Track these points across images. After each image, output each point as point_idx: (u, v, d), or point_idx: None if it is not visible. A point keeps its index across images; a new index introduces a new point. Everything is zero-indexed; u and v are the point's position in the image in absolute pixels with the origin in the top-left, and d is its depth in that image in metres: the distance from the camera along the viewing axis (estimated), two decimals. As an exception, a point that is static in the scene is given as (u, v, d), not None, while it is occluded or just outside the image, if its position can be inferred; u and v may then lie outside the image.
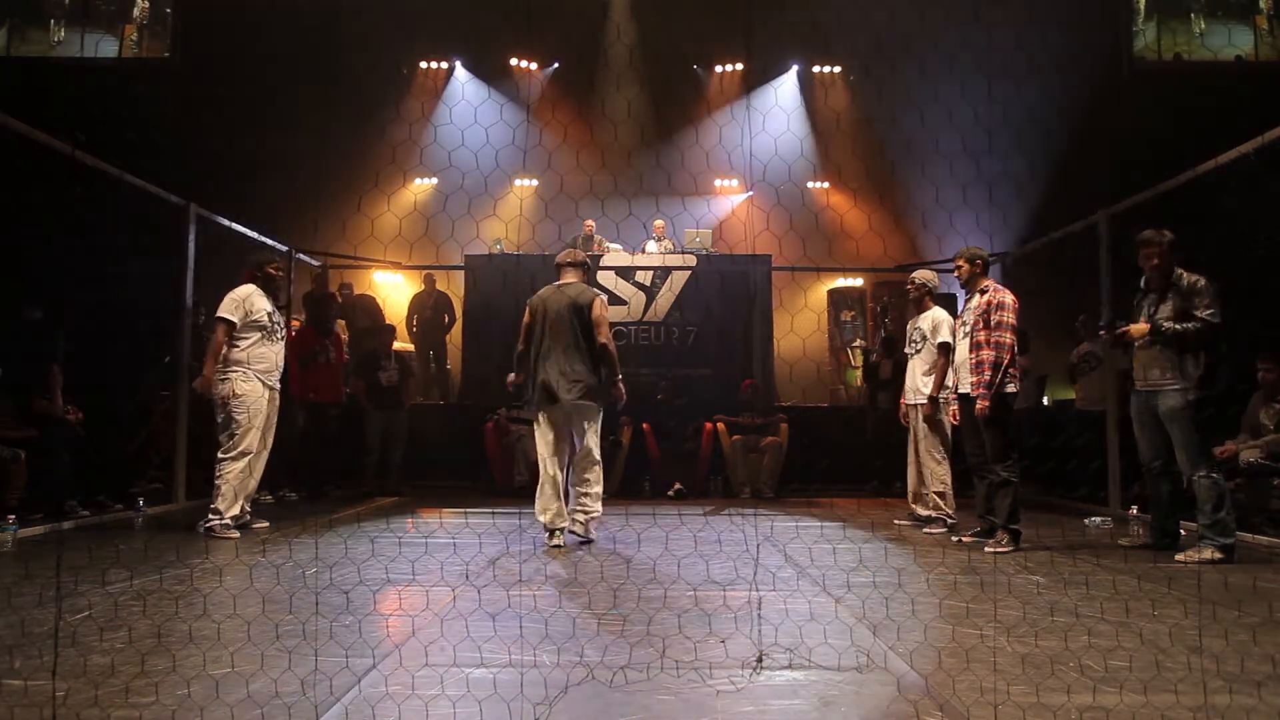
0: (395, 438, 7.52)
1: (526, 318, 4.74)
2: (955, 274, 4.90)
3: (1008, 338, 4.51)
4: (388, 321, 8.80)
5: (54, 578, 3.48)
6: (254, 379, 4.96)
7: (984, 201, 9.42)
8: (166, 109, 9.32)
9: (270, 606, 2.97)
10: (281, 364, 5.21)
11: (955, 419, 4.98)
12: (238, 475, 4.85)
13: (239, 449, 4.87)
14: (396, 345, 8.08)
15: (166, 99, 9.54)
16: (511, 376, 4.83)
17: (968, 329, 4.70)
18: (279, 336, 5.16)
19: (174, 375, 6.28)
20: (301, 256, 8.70)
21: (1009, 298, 4.58)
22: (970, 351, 4.63)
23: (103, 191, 5.69)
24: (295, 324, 7.54)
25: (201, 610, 2.91)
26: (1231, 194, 5.54)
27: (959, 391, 4.82)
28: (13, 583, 3.41)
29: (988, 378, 4.48)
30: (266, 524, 5.21)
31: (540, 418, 4.63)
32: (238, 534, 4.78)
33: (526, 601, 3.11)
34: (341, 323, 8.92)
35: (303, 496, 6.82)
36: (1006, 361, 4.49)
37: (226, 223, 6.95)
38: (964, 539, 4.84)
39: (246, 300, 5.01)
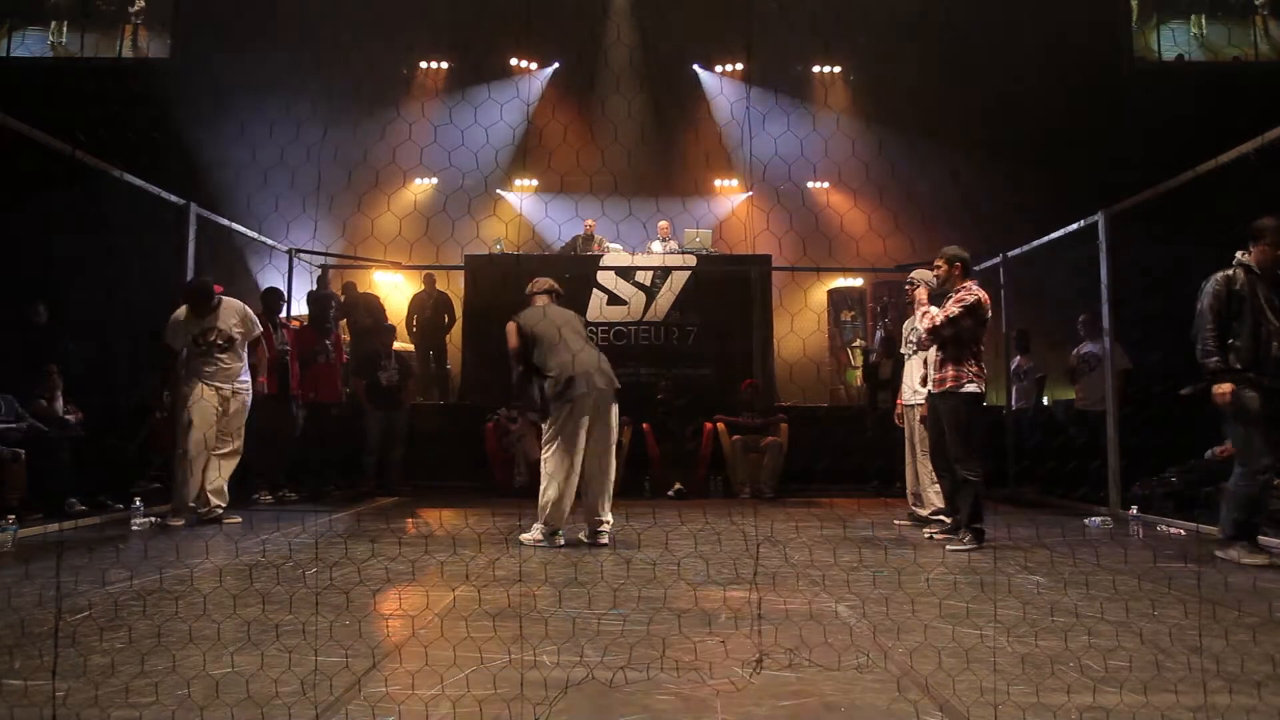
0: (395, 438, 7.52)
1: (517, 341, 4.61)
2: (934, 273, 4.82)
3: (944, 324, 4.50)
4: (388, 321, 8.80)
5: (54, 578, 3.48)
6: (195, 383, 5.34)
7: (983, 201, 9.43)
8: (166, 109, 9.32)
9: (270, 606, 2.97)
10: (226, 371, 5.44)
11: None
12: (180, 470, 5.31)
13: (180, 447, 5.32)
14: (396, 345, 8.08)
15: (166, 99, 9.54)
16: (533, 416, 4.77)
17: None
18: (214, 349, 5.41)
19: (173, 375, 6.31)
20: (301, 256, 8.70)
21: (972, 296, 4.51)
22: (936, 351, 4.68)
23: (103, 191, 5.70)
24: (295, 324, 7.54)
25: (201, 610, 2.91)
26: (1231, 194, 5.54)
27: (929, 390, 4.86)
28: (13, 583, 3.40)
29: (935, 321, 4.53)
30: (239, 519, 5.51)
31: (573, 413, 4.48)
32: (181, 522, 5.22)
33: (526, 601, 3.11)
34: (344, 322, 8.93)
35: (303, 496, 6.82)
36: (939, 323, 4.51)
37: (226, 223, 6.96)
38: (936, 536, 4.88)
39: (173, 325, 5.42)
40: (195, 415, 5.28)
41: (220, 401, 5.39)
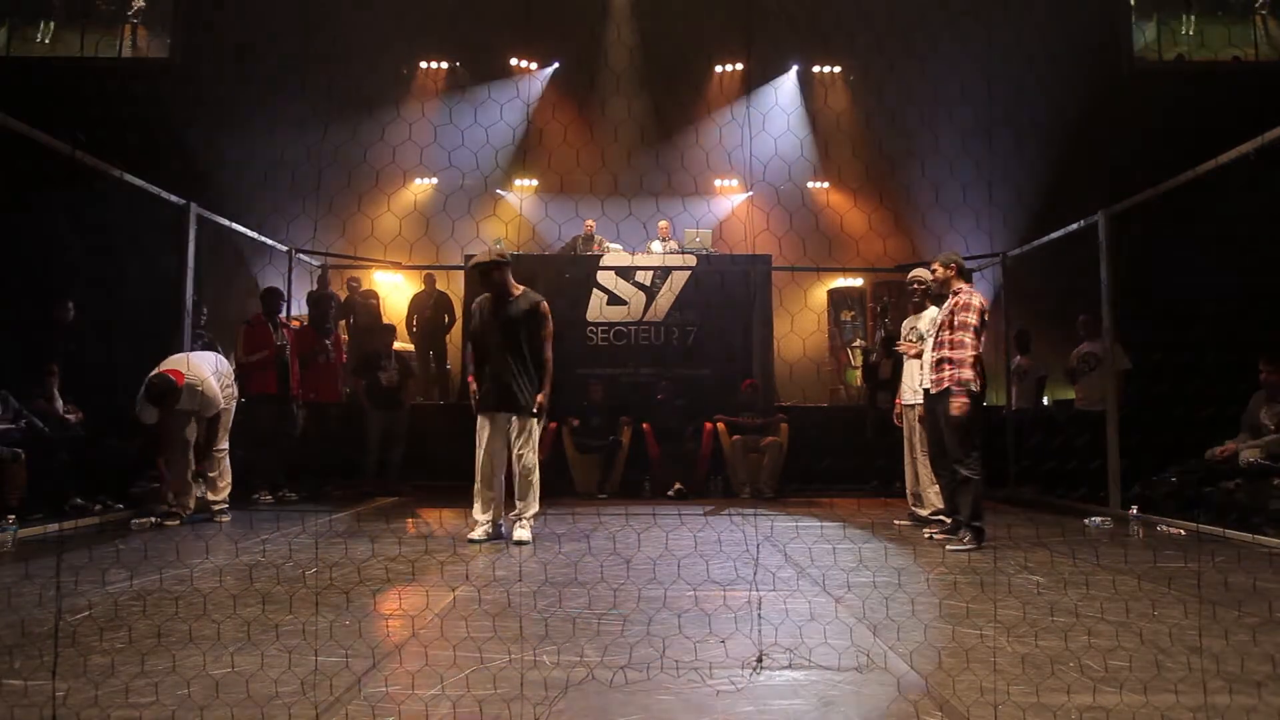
0: (395, 438, 7.52)
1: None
2: (932, 275, 4.96)
3: (969, 338, 4.54)
4: (387, 321, 8.80)
5: (54, 578, 3.48)
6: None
7: (984, 201, 9.43)
8: (166, 109, 9.32)
9: (270, 606, 2.97)
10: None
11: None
12: (168, 471, 5.54)
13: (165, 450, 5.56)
14: (396, 345, 8.08)
15: (166, 99, 9.54)
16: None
17: (934, 330, 4.82)
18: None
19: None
20: (301, 256, 8.70)
21: (976, 299, 4.62)
22: (933, 350, 4.72)
23: (103, 191, 5.70)
24: (295, 324, 7.54)
25: (201, 610, 2.91)
26: (1231, 194, 5.54)
27: (923, 388, 4.89)
28: (13, 583, 3.41)
29: (954, 375, 4.51)
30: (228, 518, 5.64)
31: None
32: (176, 522, 5.36)
33: (526, 601, 3.12)
34: (343, 323, 8.92)
35: (303, 496, 6.83)
36: (970, 360, 4.53)
37: (226, 223, 6.95)
38: (936, 536, 4.88)
39: (141, 407, 5.31)
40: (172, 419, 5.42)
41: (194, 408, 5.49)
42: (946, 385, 4.55)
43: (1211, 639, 2.60)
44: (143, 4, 11.45)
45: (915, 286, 5.61)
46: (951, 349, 4.56)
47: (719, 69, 12.20)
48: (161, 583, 3.41)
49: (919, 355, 5.21)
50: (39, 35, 11.35)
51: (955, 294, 4.73)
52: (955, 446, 4.57)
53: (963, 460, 4.53)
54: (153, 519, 5.31)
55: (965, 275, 4.86)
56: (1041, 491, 7.18)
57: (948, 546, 4.52)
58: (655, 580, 3.54)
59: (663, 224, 9.92)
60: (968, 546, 4.45)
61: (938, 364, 4.64)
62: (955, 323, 4.58)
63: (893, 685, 2.17)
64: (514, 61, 11.95)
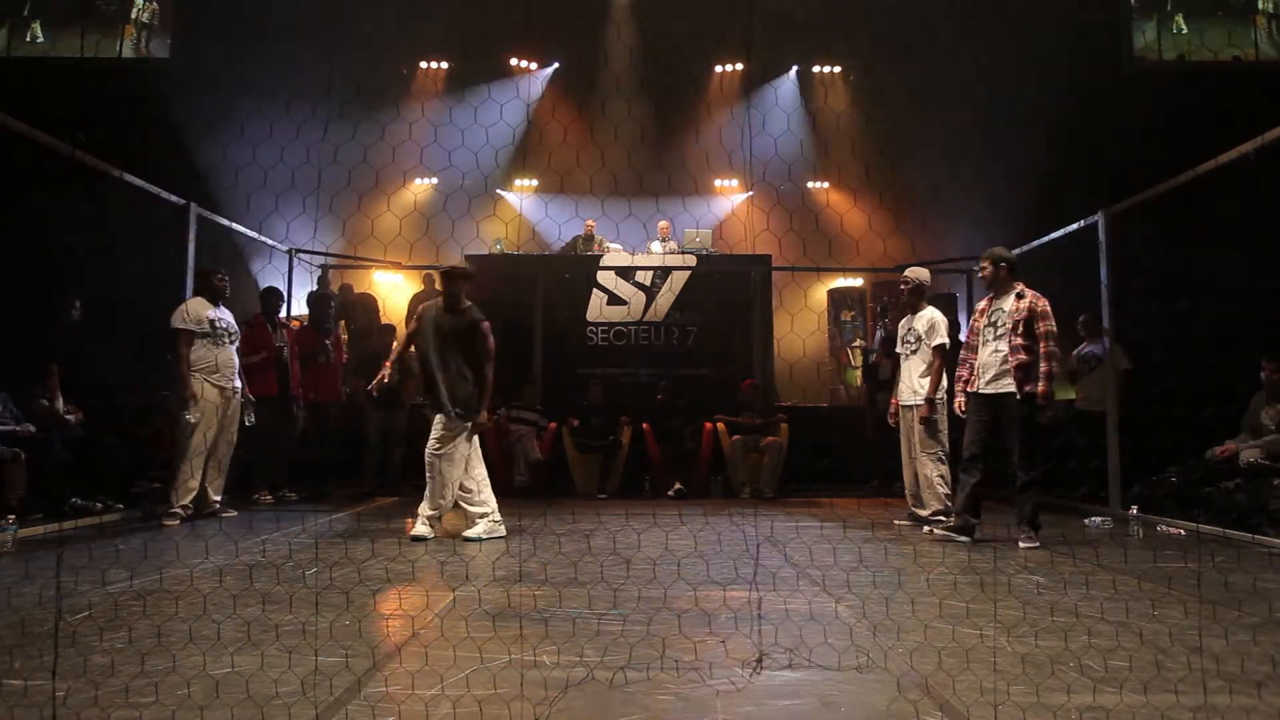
0: (395, 438, 7.52)
1: None
2: (980, 274, 4.95)
3: (1056, 346, 4.62)
4: (386, 321, 8.79)
5: (54, 578, 3.48)
6: (199, 381, 5.45)
7: (983, 201, 9.43)
8: (166, 109, 9.32)
9: (270, 606, 2.97)
10: (231, 364, 5.62)
11: (962, 411, 4.92)
12: (183, 470, 5.36)
13: (186, 449, 5.36)
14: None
15: (166, 99, 9.54)
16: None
17: (1000, 330, 4.71)
18: (226, 341, 5.59)
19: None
20: (301, 256, 8.70)
21: (1048, 305, 4.66)
22: (1010, 354, 4.64)
23: (103, 191, 5.71)
24: (295, 324, 7.54)
25: (201, 610, 2.91)
26: (1231, 194, 5.53)
27: (980, 390, 4.77)
28: (13, 583, 3.40)
29: (1044, 369, 4.57)
30: (235, 513, 5.70)
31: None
32: (176, 522, 5.27)
33: (526, 601, 3.11)
34: (343, 323, 8.93)
35: (303, 496, 6.83)
36: (1054, 364, 4.59)
37: (226, 223, 6.95)
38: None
39: (192, 309, 5.52)
40: (198, 415, 5.40)
41: (223, 401, 5.55)
42: (1024, 390, 4.57)
43: (1211, 639, 2.60)
44: (144, 4, 11.45)
45: (902, 286, 5.60)
46: (1044, 359, 4.57)
47: (719, 69, 12.20)
48: (161, 583, 3.41)
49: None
50: (39, 35, 11.35)
51: (1020, 296, 4.70)
52: (1022, 449, 4.60)
53: (1032, 460, 4.58)
54: (162, 515, 5.36)
55: (1015, 271, 4.83)
56: (1042, 491, 7.17)
57: (1020, 543, 4.54)
58: (655, 580, 3.54)
59: (663, 224, 9.92)
60: (1035, 544, 4.48)
61: (1020, 365, 4.59)
62: (1039, 331, 4.60)
63: (893, 685, 2.17)
64: (514, 61, 11.95)
